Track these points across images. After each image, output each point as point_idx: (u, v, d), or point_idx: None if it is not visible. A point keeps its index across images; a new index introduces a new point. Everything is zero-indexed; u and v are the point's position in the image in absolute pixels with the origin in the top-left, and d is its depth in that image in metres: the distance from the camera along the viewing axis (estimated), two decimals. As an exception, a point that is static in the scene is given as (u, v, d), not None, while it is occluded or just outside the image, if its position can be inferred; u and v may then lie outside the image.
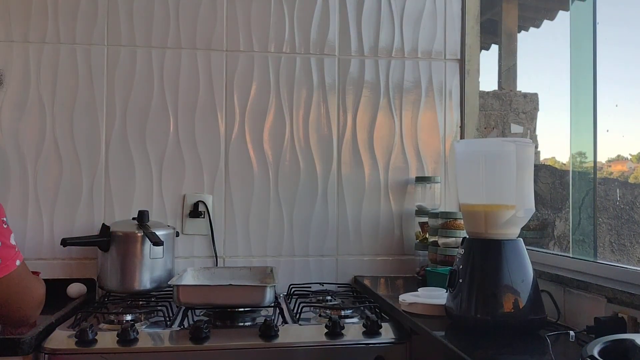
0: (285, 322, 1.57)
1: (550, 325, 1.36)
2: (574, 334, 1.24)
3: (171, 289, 1.64)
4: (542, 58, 2.71)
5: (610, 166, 2.38)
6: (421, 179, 2.13)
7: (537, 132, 3.12)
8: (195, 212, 2.04)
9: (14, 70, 1.98)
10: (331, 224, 2.11)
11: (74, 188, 1.99)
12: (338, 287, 2.01)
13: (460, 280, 1.36)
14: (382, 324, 1.54)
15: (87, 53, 2.01)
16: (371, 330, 1.51)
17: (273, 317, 1.59)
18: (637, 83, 1.93)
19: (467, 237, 1.43)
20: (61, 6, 2.00)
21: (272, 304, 1.60)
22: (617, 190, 2.32)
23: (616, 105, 1.87)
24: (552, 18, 2.71)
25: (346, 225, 2.13)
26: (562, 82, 1.88)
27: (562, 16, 2.44)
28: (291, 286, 1.97)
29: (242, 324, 1.58)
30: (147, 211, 1.88)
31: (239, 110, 2.09)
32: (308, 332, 1.53)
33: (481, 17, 2.27)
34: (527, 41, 2.93)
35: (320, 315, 1.64)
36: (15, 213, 1.95)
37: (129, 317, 1.54)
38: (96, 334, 1.43)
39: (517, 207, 1.35)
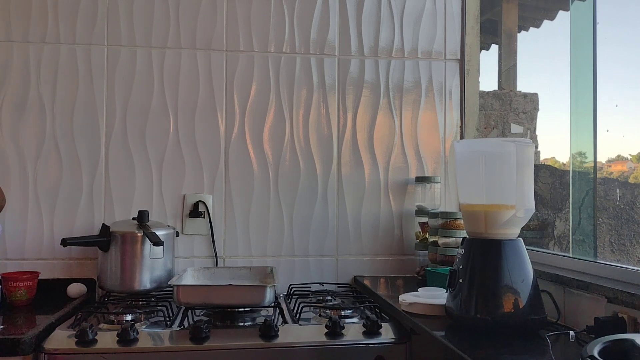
0: (285, 322, 1.58)
1: (550, 325, 1.36)
2: (574, 334, 1.24)
3: (171, 289, 1.64)
4: (542, 58, 2.71)
5: (610, 166, 2.37)
6: (421, 179, 2.13)
7: (537, 132, 3.12)
8: (195, 212, 2.04)
9: (14, 70, 1.98)
10: (331, 224, 2.12)
11: (74, 188, 1.99)
12: (338, 287, 2.02)
13: (460, 280, 1.36)
14: (382, 324, 1.54)
15: (87, 53, 2.01)
16: (371, 330, 1.51)
17: (273, 317, 1.59)
18: (637, 83, 1.93)
19: (467, 237, 1.43)
20: (61, 6, 2.00)
21: (272, 304, 1.60)
22: (617, 190, 2.32)
23: (616, 105, 1.87)
24: (552, 18, 2.71)
25: (346, 225, 2.13)
26: (562, 82, 1.87)
27: (562, 16, 2.43)
28: (291, 286, 1.97)
29: (242, 324, 1.58)
30: (147, 211, 1.88)
31: (239, 110, 2.09)
32: (308, 332, 1.53)
33: (481, 17, 2.27)
34: (527, 41, 2.93)
35: (320, 315, 1.64)
36: (15, 213, 1.95)
37: (129, 317, 1.54)
38: (96, 334, 1.43)
39: (517, 207, 1.35)
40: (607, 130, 1.81)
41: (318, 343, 1.48)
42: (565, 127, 1.81)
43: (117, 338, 1.42)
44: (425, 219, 2.06)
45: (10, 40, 1.98)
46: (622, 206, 2.29)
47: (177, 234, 2.01)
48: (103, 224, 1.88)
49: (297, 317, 1.62)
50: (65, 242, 1.79)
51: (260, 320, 1.57)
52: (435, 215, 1.96)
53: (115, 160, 2.01)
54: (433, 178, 2.12)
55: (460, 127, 2.22)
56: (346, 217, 2.13)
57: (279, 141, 2.11)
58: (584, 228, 1.77)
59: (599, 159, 1.77)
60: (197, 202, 2.05)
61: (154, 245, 1.75)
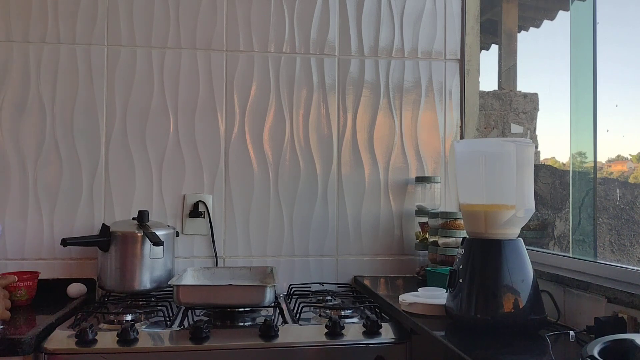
0: (285, 322, 1.58)
1: (550, 325, 1.36)
2: (574, 334, 1.24)
3: (171, 289, 1.64)
4: (542, 58, 2.71)
5: (610, 166, 2.37)
6: (421, 179, 2.13)
7: (537, 132, 3.12)
8: (195, 212, 2.04)
9: (14, 70, 1.98)
10: (331, 224, 2.12)
11: (74, 188, 1.99)
12: (338, 287, 2.02)
13: (460, 280, 1.36)
14: (382, 324, 1.54)
15: (87, 53, 2.01)
16: (371, 330, 1.51)
17: (273, 317, 1.59)
18: (637, 83, 1.93)
19: (467, 237, 1.43)
20: (61, 6, 2.00)
21: (272, 304, 1.60)
22: (617, 190, 2.32)
23: (616, 105, 1.87)
24: (552, 18, 2.71)
25: (346, 225, 2.13)
26: (562, 82, 1.88)
27: (562, 16, 2.44)
28: (291, 286, 1.97)
29: (242, 324, 1.58)
30: (147, 211, 1.88)
31: (239, 110, 2.09)
32: (308, 332, 1.53)
33: (481, 17, 2.27)
34: (527, 41, 2.93)
35: (320, 315, 1.64)
36: (15, 213, 1.95)
37: (129, 317, 1.54)
38: (96, 334, 1.43)
39: (517, 207, 1.35)
40: (607, 130, 1.81)
41: (318, 343, 1.48)
42: (565, 127, 1.81)
43: (117, 338, 1.42)
44: (425, 219, 2.06)
45: (10, 40, 1.98)
46: (622, 206, 2.29)
47: (177, 234, 2.00)
48: (103, 224, 1.88)
49: (297, 317, 1.62)
50: (65, 242, 1.79)
51: (260, 320, 1.57)
52: (435, 215, 1.96)
53: (115, 160, 2.01)
54: (433, 178, 2.12)
55: (460, 127, 2.22)
56: (346, 217, 2.13)
57: (279, 141, 2.11)
58: (584, 228, 1.77)
59: (599, 159, 1.77)
60: (197, 202, 2.05)
61: (154, 245, 1.75)
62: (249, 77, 2.10)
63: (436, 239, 1.94)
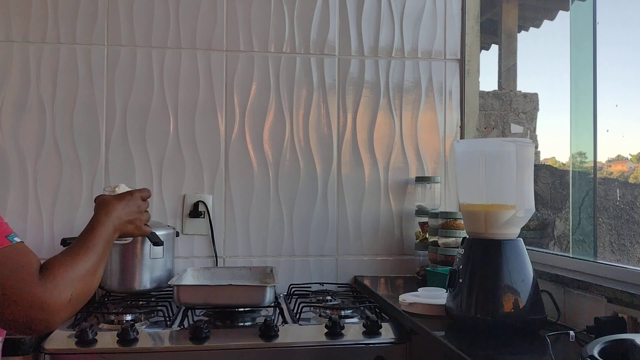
0: (285, 322, 1.58)
1: (550, 325, 1.36)
2: (574, 334, 1.24)
3: (171, 289, 1.64)
4: (542, 58, 2.72)
5: (610, 166, 2.38)
6: (421, 179, 2.13)
7: (537, 132, 3.12)
8: (195, 212, 2.04)
9: (14, 70, 1.98)
10: (331, 224, 2.11)
11: (74, 188, 1.99)
12: (338, 287, 2.01)
13: (460, 280, 1.36)
14: (382, 324, 1.54)
15: (87, 53, 2.01)
16: (371, 330, 1.51)
17: (273, 317, 1.59)
18: (637, 83, 1.93)
19: (467, 237, 1.43)
20: (61, 6, 2.00)
21: (272, 304, 1.60)
22: (617, 190, 2.32)
23: (616, 105, 1.87)
24: (552, 18, 2.71)
25: (346, 225, 2.13)
26: (562, 82, 1.88)
27: (562, 16, 2.44)
28: (291, 286, 1.97)
29: (242, 324, 1.58)
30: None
31: (239, 110, 2.09)
32: (308, 332, 1.53)
33: (481, 17, 2.27)
34: (527, 41, 2.93)
35: (320, 315, 1.64)
36: (15, 213, 1.95)
37: (129, 317, 1.55)
38: (96, 334, 1.43)
39: (517, 207, 1.35)
40: (607, 130, 1.81)
41: (318, 343, 1.48)
42: (565, 127, 1.81)
43: (117, 338, 1.42)
44: (425, 219, 2.06)
45: (10, 40, 1.98)
46: (622, 206, 2.30)
47: (177, 234, 2.00)
48: (103, 224, 1.87)
49: (297, 317, 1.62)
50: (65, 242, 1.79)
51: (260, 320, 1.57)
52: (435, 215, 1.96)
53: (115, 160, 2.01)
54: (433, 178, 2.12)
55: (460, 127, 2.22)
56: (346, 217, 2.13)
57: (279, 141, 2.10)
58: (584, 228, 1.77)
59: (599, 159, 1.77)
60: (197, 202, 2.05)
61: (154, 245, 1.74)
62: (249, 77, 2.10)
63: (436, 239, 1.94)
